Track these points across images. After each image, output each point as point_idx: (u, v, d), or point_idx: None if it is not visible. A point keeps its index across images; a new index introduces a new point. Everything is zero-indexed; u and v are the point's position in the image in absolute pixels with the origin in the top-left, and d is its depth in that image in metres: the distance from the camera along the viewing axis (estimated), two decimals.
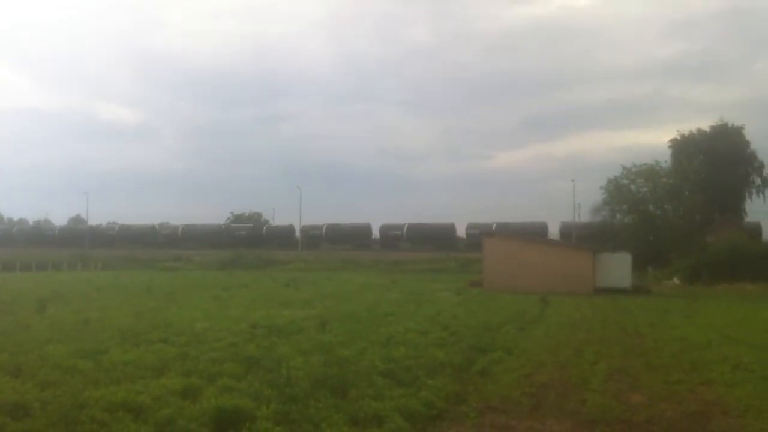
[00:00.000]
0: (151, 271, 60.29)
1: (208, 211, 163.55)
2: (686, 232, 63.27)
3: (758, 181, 68.96)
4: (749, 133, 68.93)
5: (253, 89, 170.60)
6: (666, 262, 55.79)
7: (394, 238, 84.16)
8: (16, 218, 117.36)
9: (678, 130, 70.92)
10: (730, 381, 12.38)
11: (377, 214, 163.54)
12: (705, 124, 72.50)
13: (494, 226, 79.86)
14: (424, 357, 13.49)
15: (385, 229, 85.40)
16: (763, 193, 68.85)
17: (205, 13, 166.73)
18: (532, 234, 66.79)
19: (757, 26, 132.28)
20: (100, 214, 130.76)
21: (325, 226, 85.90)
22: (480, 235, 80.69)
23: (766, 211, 69.13)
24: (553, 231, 79.19)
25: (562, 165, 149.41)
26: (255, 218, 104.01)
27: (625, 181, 64.10)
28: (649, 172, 63.37)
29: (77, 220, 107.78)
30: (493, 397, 10.92)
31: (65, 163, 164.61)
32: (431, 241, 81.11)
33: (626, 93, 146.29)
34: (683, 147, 68.57)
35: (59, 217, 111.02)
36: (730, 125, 68.59)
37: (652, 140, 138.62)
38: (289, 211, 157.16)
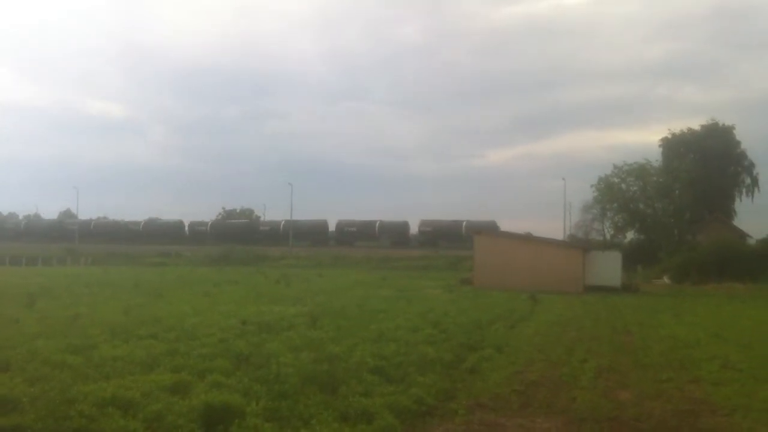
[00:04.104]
0: (141, 267, 60.18)
1: (197, 207, 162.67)
2: (676, 231, 63.61)
3: (748, 180, 69.27)
4: (737, 135, 69.35)
5: (242, 86, 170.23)
6: (656, 260, 56.01)
7: (201, 234, 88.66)
8: (5, 212, 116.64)
9: (669, 129, 71.44)
10: (718, 379, 12.43)
11: (367, 211, 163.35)
12: (693, 124, 72.98)
13: (282, 223, 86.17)
14: (415, 354, 13.48)
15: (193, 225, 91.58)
16: (752, 193, 69.22)
17: (195, 10, 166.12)
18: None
19: (745, 28, 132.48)
20: (89, 209, 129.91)
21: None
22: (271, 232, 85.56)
23: (756, 211, 69.49)
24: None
25: (552, 163, 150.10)
26: (247, 214, 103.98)
27: (616, 180, 64.29)
28: (639, 171, 63.56)
29: (67, 214, 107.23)
30: (482, 394, 10.93)
31: (54, 157, 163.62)
32: (235, 236, 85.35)
33: (616, 92, 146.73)
34: (674, 146, 68.87)
35: (49, 212, 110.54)
36: (720, 125, 68.86)
37: (642, 139, 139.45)
38: (279, 207, 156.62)
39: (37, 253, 68.45)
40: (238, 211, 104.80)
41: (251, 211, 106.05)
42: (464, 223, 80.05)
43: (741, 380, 12.28)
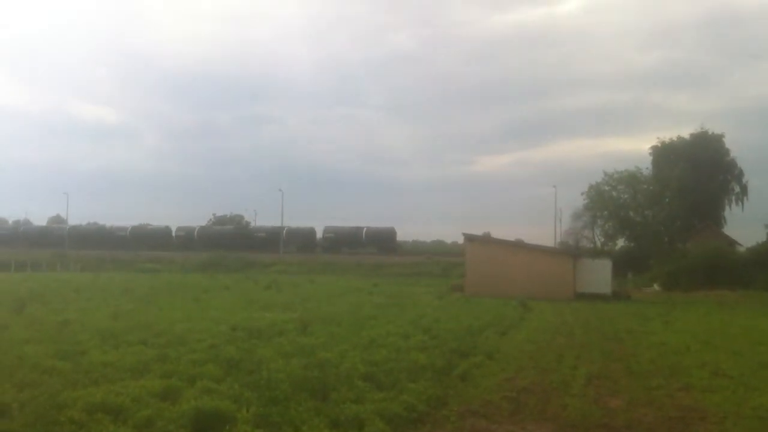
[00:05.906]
0: (133, 273, 59.93)
1: (189, 212, 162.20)
2: (666, 239, 63.78)
3: (737, 188, 69.59)
4: (727, 143, 69.70)
5: (235, 92, 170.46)
6: (646, 268, 56.14)
7: (120, 239, 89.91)
8: None
9: (659, 138, 71.69)
10: (708, 387, 12.46)
11: (358, 217, 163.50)
12: (684, 132, 73.21)
13: (196, 230, 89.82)
14: (406, 360, 13.47)
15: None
16: (742, 201, 69.54)
17: (189, 16, 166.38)
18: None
19: (736, 38, 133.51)
20: (79, 215, 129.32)
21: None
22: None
23: (746, 219, 69.77)
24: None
25: (543, 171, 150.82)
26: (236, 220, 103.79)
27: (607, 187, 64.45)
28: (630, 179, 63.76)
29: (57, 219, 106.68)
30: (473, 400, 10.93)
31: (45, 162, 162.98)
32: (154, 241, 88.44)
33: (607, 100, 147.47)
34: (664, 154, 69.14)
35: (38, 217, 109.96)
36: (710, 133, 69.18)
37: (632, 147, 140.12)
38: (270, 213, 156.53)
39: (26, 258, 67.97)
40: (228, 217, 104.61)
41: (241, 217, 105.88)
42: (364, 230, 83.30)
43: (731, 387, 12.31)
